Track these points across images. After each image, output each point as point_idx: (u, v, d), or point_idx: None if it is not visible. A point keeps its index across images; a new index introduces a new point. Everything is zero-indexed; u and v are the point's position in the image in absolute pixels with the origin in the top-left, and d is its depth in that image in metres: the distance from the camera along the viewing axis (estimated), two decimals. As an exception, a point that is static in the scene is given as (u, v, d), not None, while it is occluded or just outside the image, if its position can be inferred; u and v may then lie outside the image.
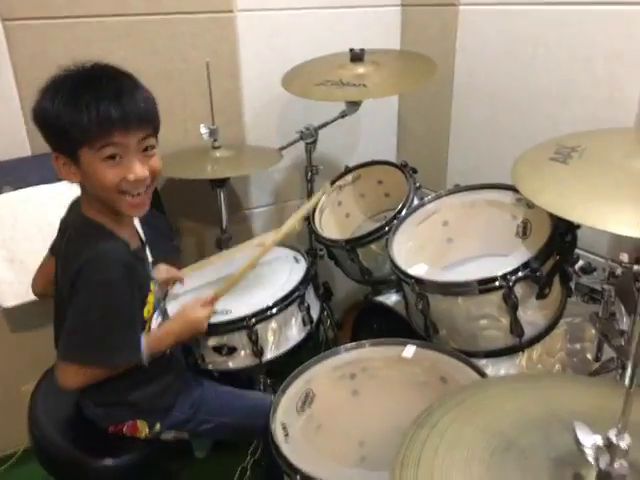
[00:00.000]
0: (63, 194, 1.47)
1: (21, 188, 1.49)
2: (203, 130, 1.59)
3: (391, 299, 1.49)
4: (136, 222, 1.55)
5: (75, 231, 1.07)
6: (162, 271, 1.40)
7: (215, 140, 1.62)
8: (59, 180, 1.03)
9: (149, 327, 1.14)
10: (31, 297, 1.43)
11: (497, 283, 1.07)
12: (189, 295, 1.43)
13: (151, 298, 1.12)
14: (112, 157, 0.96)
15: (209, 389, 1.28)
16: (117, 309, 1.01)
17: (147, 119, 0.99)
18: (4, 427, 1.70)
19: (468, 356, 1.13)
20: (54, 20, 1.51)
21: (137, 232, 1.19)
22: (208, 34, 1.70)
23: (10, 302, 1.45)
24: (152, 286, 1.14)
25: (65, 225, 1.12)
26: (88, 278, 0.98)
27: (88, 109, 0.92)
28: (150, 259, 1.48)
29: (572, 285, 1.17)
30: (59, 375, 1.03)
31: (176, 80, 1.70)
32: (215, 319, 1.34)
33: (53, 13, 1.50)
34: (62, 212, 1.16)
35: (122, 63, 1.55)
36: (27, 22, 1.48)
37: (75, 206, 1.10)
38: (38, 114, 0.97)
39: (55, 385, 1.05)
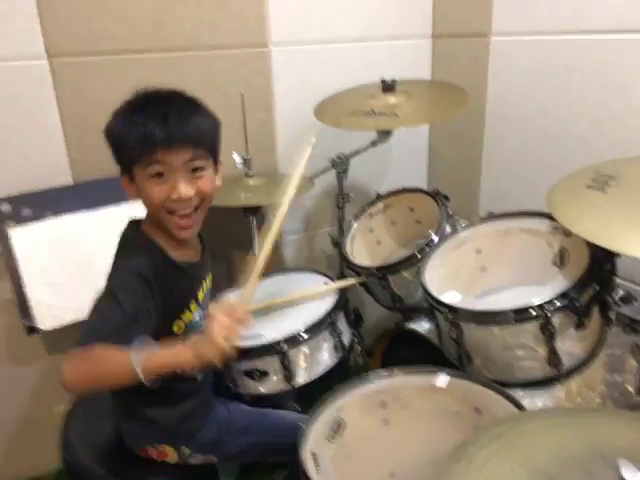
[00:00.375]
0: (102, 221, 1.54)
1: (61, 215, 1.54)
2: (237, 159, 1.63)
3: (423, 327, 1.47)
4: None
5: (123, 241, 1.09)
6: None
7: (249, 169, 1.65)
8: (99, 207, 1.07)
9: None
10: (68, 320, 1.47)
11: (534, 313, 1.05)
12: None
13: (187, 316, 1.11)
14: (158, 175, 0.99)
15: (235, 410, 1.28)
16: (119, 297, 0.96)
17: (195, 140, 1.00)
18: (36, 447, 1.72)
19: (503, 387, 1.10)
20: (97, 57, 1.58)
21: (200, 248, 1.19)
22: (243, 68, 1.75)
23: (48, 324, 1.48)
24: (193, 307, 1.12)
25: (119, 240, 1.12)
26: (112, 264, 1.02)
27: (136, 128, 0.97)
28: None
29: (612, 315, 1.14)
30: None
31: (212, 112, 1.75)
32: (247, 343, 1.35)
33: (96, 49, 1.57)
34: (101, 238, 1.19)
35: None
36: (72, 59, 1.55)
37: (133, 223, 1.11)
38: (105, 133, 1.03)
39: (89, 407, 1.05)
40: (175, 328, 1.10)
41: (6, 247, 1.45)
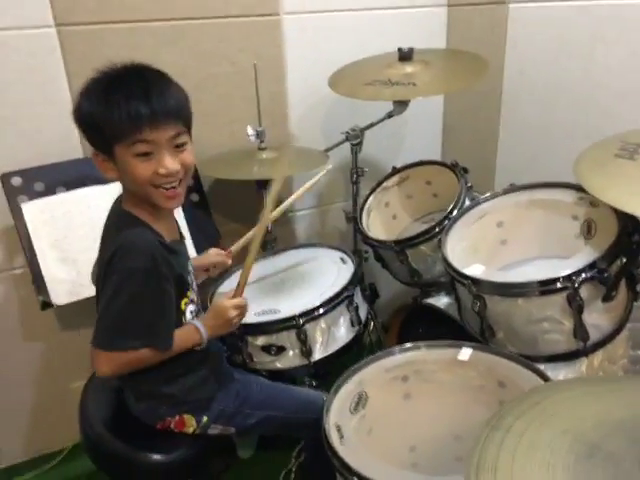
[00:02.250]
0: (115, 194, 1.52)
1: (74, 189, 1.51)
2: (250, 132, 1.59)
3: (442, 301, 1.46)
4: (181, 220, 1.58)
5: (112, 223, 1.10)
6: (211, 254, 1.40)
7: (262, 142, 1.62)
8: (111, 181, 1.06)
9: (184, 319, 1.14)
10: (83, 295, 1.46)
11: (561, 284, 1.03)
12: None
13: (189, 293, 1.14)
14: (145, 154, 0.99)
15: (254, 382, 1.28)
16: (144, 297, 1.01)
17: (177, 115, 1.01)
18: (54, 423, 1.73)
19: (526, 360, 1.09)
20: (106, 25, 1.53)
21: (176, 226, 1.20)
22: (255, 37, 1.71)
23: (62, 300, 1.47)
24: (189, 286, 1.15)
25: (107, 220, 1.14)
26: (117, 265, 1.00)
27: (118, 107, 0.96)
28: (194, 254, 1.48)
29: (639, 288, 1.12)
30: (93, 362, 1.05)
31: (223, 83, 1.71)
32: (264, 318, 1.34)
33: (105, 18, 1.52)
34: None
35: (170, 67, 1.57)
36: (80, 27, 1.51)
37: (117, 202, 1.13)
38: (76, 114, 1.02)
39: (103, 380, 1.07)
40: (182, 306, 1.13)
41: (19, 222, 1.43)
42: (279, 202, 1.39)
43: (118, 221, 1.09)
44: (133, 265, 1.00)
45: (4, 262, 1.58)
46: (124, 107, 0.95)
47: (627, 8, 1.38)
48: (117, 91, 0.97)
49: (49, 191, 1.48)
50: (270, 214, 1.23)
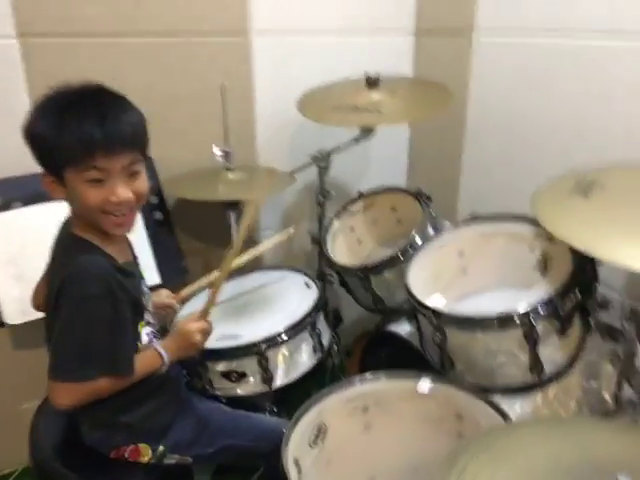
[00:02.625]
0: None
1: (31, 204, 1.47)
2: (217, 152, 1.58)
3: (404, 328, 1.47)
4: (144, 239, 1.55)
5: (60, 248, 1.07)
6: (162, 295, 1.38)
7: (229, 162, 1.61)
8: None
9: (140, 343, 1.11)
10: (36, 315, 1.41)
11: (518, 319, 1.05)
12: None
13: (146, 315, 1.12)
14: (96, 180, 0.96)
15: (213, 409, 1.26)
16: (99, 324, 0.98)
17: (132, 143, 0.98)
18: (4, 444, 1.65)
19: (483, 392, 1.10)
20: (70, 38, 1.51)
21: (129, 247, 1.17)
22: (223, 56, 1.70)
23: (16, 320, 1.42)
24: (145, 305, 1.13)
25: (55, 244, 1.10)
26: (69, 294, 0.97)
27: (71, 131, 0.92)
28: (157, 281, 1.46)
29: (592, 322, 1.15)
30: (50, 394, 1.01)
31: (190, 101, 1.70)
32: (225, 344, 1.32)
33: (70, 31, 1.50)
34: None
35: (136, 83, 1.59)
36: (43, 39, 1.47)
37: (65, 225, 1.10)
38: (27, 133, 0.98)
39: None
40: (140, 328, 1.10)
41: (-29, 237, 1.38)
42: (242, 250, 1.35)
43: (67, 246, 1.05)
44: (85, 293, 0.97)
45: (-46, 279, 1.52)
46: (76, 131, 0.92)
47: (585, 47, 1.43)
48: (71, 114, 0.93)
49: (5, 206, 1.44)
50: (234, 258, 1.21)
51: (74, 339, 0.98)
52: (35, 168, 1.48)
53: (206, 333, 1.16)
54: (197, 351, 1.17)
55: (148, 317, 1.13)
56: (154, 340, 1.13)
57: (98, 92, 0.99)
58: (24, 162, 1.47)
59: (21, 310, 1.41)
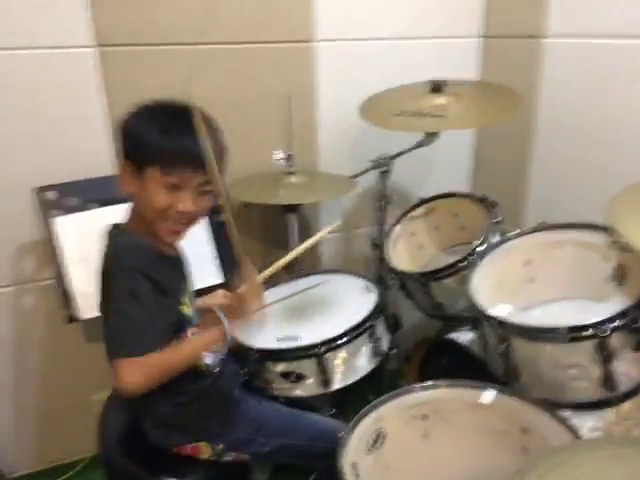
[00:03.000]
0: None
1: (106, 206, 1.54)
2: (279, 156, 1.61)
3: (465, 337, 1.43)
4: (203, 241, 1.59)
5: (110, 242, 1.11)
6: (218, 294, 1.40)
7: (290, 166, 1.63)
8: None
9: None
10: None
11: (591, 331, 1.00)
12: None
13: (184, 309, 1.13)
14: (173, 186, 1.03)
15: (269, 409, 1.27)
16: (144, 294, 1.00)
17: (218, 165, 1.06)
18: (74, 433, 1.74)
19: (551, 405, 1.06)
20: (145, 47, 1.57)
21: (174, 248, 1.20)
22: (287, 63, 1.73)
23: (88, 314, 1.49)
24: (186, 300, 1.15)
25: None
26: (111, 271, 1.02)
27: (173, 138, 1.01)
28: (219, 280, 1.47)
29: (671, 337, 1.08)
30: (115, 376, 0.99)
31: (255, 106, 1.73)
32: (285, 344, 1.34)
33: (145, 40, 1.57)
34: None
35: (204, 89, 1.63)
36: (119, 48, 1.55)
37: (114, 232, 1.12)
38: (127, 125, 1.06)
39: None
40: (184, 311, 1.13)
41: (51, 235, 1.46)
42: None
43: (123, 241, 1.09)
44: (125, 266, 1.01)
45: (34, 273, 1.62)
46: (177, 140, 1.00)
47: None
48: (176, 123, 1.01)
49: (82, 206, 1.51)
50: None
51: (124, 313, 1.00)
52: (107, 171, 1.60)
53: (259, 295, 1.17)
54: (248, 317, 1.15)
55: (188, 310, 1.15)
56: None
57: (200, 113, 1.05)
58: (99, 165, 1.58)
59: (92, 305, 1.48)
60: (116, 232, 1.10)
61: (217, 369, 1.18)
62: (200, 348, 1.10)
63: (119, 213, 1.51)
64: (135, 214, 1.11)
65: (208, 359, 1.16)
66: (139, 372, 0.98)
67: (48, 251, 1.48)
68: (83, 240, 1.49)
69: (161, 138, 1.01)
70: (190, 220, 1.09)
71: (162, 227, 1.07)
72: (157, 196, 1.03)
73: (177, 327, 1.08)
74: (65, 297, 1.47)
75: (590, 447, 0.72)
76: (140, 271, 1.00)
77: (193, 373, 1.11)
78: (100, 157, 1.58)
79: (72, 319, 1.48)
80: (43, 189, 1.49)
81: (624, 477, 0.62)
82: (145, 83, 1.58)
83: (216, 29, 1.62)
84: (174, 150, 1.01)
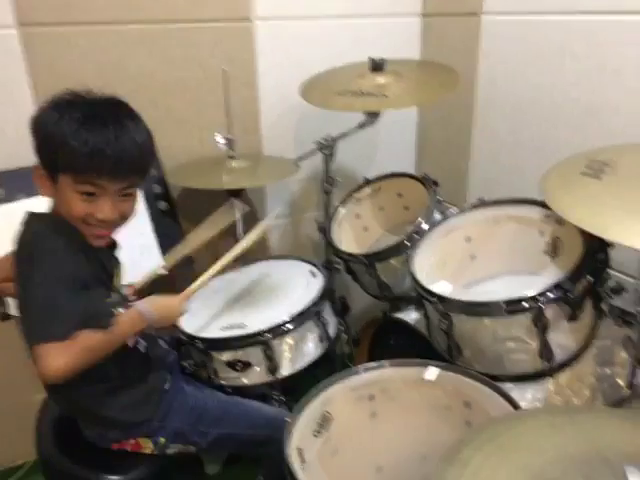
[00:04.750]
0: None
1: (35, 196, 1.46)
2: (219, 139, 1.56)
3: (411, 316, 1.44)
4: (149, 228, 1.54)
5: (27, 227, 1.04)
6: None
7: (232, 150, 1.59)
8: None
9: None
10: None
11: (526, 304, 1.02)
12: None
13: (113, 296, 1.10)
14: (88, 193, 0.97)
15: (209, 397, 1.24)
16: (60, 278, 0.95)
17: (138, 169, 1.01)
18: (15, 436, 1.66)
19: (493, 379, 1.08)
20: (71, 27, 1.49)
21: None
22: (226, 42, 1.68)
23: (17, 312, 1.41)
24: (115, 287, 1.11)
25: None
26: (25, 256, 0.97)
27: (83, 144, 0.92)
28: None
29: (604, 307, 1.12)
30: (38, 363, 0.92)
31: (193, 88, 1.68)
32: (230, 333, 1.31)
33: (70, 19, 1.48)
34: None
35: (138, 71, 1.57)
36: (44, 28, 1.46)
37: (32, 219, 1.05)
38: (37, 125, 0.98)
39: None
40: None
41: (-25, 229, 1.38)
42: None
43: (47, 224, 1.03)
44: (41, 248, 0.96)
45: (-40, 271, 1.52)
46: (89, 146, 0.92)
47: (596, 23, 1.38)
48: (87, 127, 0.93)
49: (9, 197, 1.43)
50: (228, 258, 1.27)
51: (43, 297, 0.94)
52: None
53: (183, 314, 1.17)
54: (169, 327, 1.18)
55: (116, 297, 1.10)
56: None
57: (118, 110, 1.00)
58: (26, 153, 1.49)
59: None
60: (34, 218, 1.03)
61: (140, 348, 1.15)
62: (127, 327, 1.04)
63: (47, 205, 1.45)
64: (58, 212, 1.04)
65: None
66: (61, 356, 0.91)
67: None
68: (11, 233, 1.41)
69: (70, 142, 0.92)
70: (114, 225, 1.04)
71: (85, 231, 1.01)
72: (74, 204, 0.97)
73: (103, 314, 1.02)
74: (-5, 294, 1.39)
75: (526, 417, 0.73)
76: (62, 255, 0.95)
77: (112, 356, 1.05)
78: (27, 145, 1.48)
79: (4, 317, 1.40)
80: (-35, 180, 1.40)
81: (555, 445, 0.64)
82: (73, 65, 1.50)
83: (149, 7, 1.55)
84: (84, 157, 0.92)
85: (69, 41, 1.49)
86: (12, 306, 1.41)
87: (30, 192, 1.45)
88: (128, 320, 1.04)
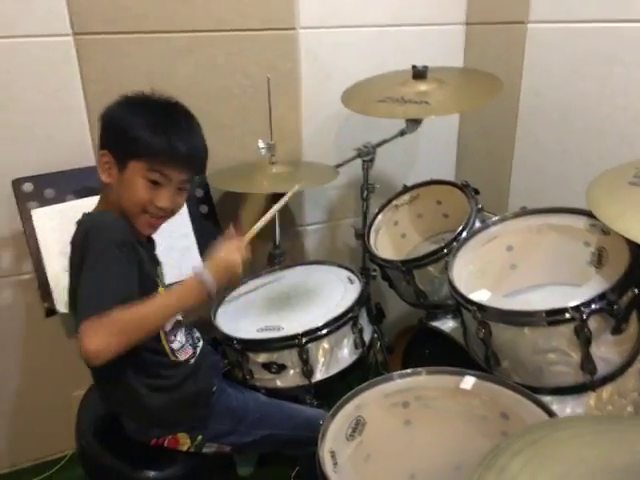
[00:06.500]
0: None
1: (83, 197, 1.51)
2: (261, 145, 1.59)
3: (447, 325, 1.43)
4: (189, 231, 1.57)
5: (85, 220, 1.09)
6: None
7: (273, 155, 1.61)
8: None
9: None
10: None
11: (569, 315, 0.99)
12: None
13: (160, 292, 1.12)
14: (154, 182, 1.05)
15: (250, 399, 1.26)
16: (120, 265, 0.97)
17: (201, 166, 1.12)
18: (55, 430, 1.72)
19: (531, 391, 1.05)
20: (123, 35, 1.55)
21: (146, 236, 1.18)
22: (270, 51, 1.71)
23: (66, 307, 1.46)
24: (160, 286, 1.13)
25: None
26: (93, 240, 0.98)
27: (163, 136, 1.03)
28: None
29: (651, 321, 1.08)
30: (80, 342, 0.90)
31: (237, 96, 1.71)
32: (266, 335, 1.33)
33: (122, 28, 1.54)
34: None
35: (185, 78, 1.62)
36: (97, 36, 1.52)
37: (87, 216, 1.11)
38: (112, 115, 1.07)
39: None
40: None
41: (28, 227, 1.44)
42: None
43: (100, 217, 1.08)
44: (108, 236, 0.98)
45: (12, 267, 1.60)
46: (165, 137, 1.02)
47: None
48: (165, 118, 1.05)
49: (59, 198, 1.49)
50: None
51: (94, 280, 0.95)
52: (88, 162, 1.57)
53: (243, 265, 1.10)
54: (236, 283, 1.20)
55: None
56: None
57: (185, 111, 1.11)
58: (78, 156, 1.56)
59: (72, 299, 1.47)
60: (90, 215, 1.09)
61: (191, 361, 1.16)
62: (175, 300, 1.02)
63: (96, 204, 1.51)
64: (109, 203, 1.10)
65: (174, 344, 1.14)
66: (97, 333, 0.89)
67: (25, 244, 1.46)
68: (60, 232, 1.47)
69: (151, 134, 1.02)
70: (166, 215, 1.11)
71: (141, 220, 1.08)
72: (138, 190, 1.04)
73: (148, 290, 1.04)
74: (43, 290, 1.44)
75: (565, 425, 0.71)
76: (120, 244, 0.98)
77: (167, 360, 1.11)
78: (77, 148, 1.56)
79: (50, 312, 1.45)
80: (19, 181, 1.46)
81: (597, 455, 0.62)
82: (123, 72, 1.55)
83: (196, 17, 1.60)
84: (164, 149, 1.02)
85: (121, 49, 1.55)
86: (58, 301, 1.47)
87: (79, 193, 1.51)
88: (182, 289, 1.02)
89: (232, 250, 1.09)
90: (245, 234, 1.17)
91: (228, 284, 1.18)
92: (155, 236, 1.21)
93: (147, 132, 1.02)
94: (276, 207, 1.26)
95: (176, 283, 1.06)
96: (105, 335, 0.89)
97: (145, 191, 1.05)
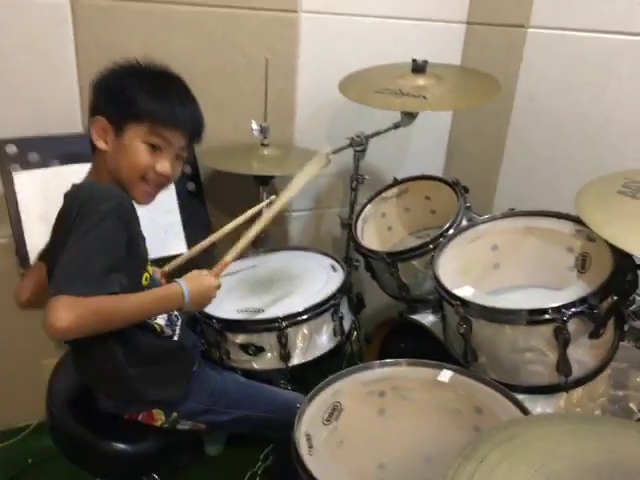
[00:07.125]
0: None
1: (68, 164, 1.48)
2: (254, 126, 1.57)
3: (427, 319, 1.44)
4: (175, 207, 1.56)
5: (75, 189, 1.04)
6: (156, 272, 1.33)
7: (265, 138, 1.60)
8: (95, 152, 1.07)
9: None
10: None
11: (550, 315, 1.01)
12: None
13: (150, 269, 1.12)
14: (154, 146, 1.04)
15: (229, 380, 1.25)
16: (113, 239, 0.95)
17: (199, 132, 1.11)
18: (22, 398, 1.69)
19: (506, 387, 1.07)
20: (121, 2, 1.51)
21: None
22: (270, 32, 1.69)
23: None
24: (148, 266, 1.11)
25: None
26: (85, 209, 0.94)
27: (165, 98, 1.02)
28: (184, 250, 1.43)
29: (626, 328, 1.10)
30: (49, 314, 0.87)
31: (232, 74, 1.69)
32: (246, 316, 1.32)
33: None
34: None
35: (181, 52, 1.59)
36: (95, 1, 1.48)
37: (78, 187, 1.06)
38: (109, 80, 1.04)
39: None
40: (143, 280, 1.08)
41: (9, 190, 1.40)
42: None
43: (95, 185, 1.04)
44: (103, 208, 0.94)
45: (-12, 230, 1.55)
46: (170, 101, 1.03)
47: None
48: (166, 85, 1.05)
49: (43, 163, 1.45)
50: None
51: (74, 251, 0.91)
52: (75, 128, 1.53)
53: (217, 290, 1.14)
54: (203, 307, 1.17)
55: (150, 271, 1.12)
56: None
57: (182, 80, 1.11)
58: (66, 122, 1.52)
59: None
60: (81, 186, 1.04)
61: (175, 337, 1.15)
62: (151, 304, 1.01)
63: (81, 172, 1.47)
64: (102, 173, 1.07)
65: (161, 320, 1.13)
66: (71, 311, 0.86)
67: (5, 207, 1.42)
68: (42, 198, 1.43)
69: (153, 97, 1.01)
70: (163, 183, 1.09)
71: (138, 188, 1.06)
72: (138, 154, 1.02)
73: (132, 284, 1.01)
74: (21, 254, 1.41)
75: (543, 421, 0.73)
76: (113, 214, 0.95)
77: (152, 333, 1.09)
78: (65, 114, 1.52)
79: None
80: (3, 142, 1.42)
81: (572, 451, 0.63)
82: (119, 41, 1.52)
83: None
84: (166, 111, 1.01)
85: (118, 17, 1.51)
86: (31, 261, 1.43)
87: (64, 160, 1.48)
88: (163, 295, 1.05)
89: (208, 275, 1.14)
90: (220, 262, 1.19)
91: (198, 308, 1.17)
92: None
93: (148, 94, 1.01)
94: (250, 234, 1.24)
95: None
96: (80, 316, 0.87)
97: (146, 156, 1.03)
